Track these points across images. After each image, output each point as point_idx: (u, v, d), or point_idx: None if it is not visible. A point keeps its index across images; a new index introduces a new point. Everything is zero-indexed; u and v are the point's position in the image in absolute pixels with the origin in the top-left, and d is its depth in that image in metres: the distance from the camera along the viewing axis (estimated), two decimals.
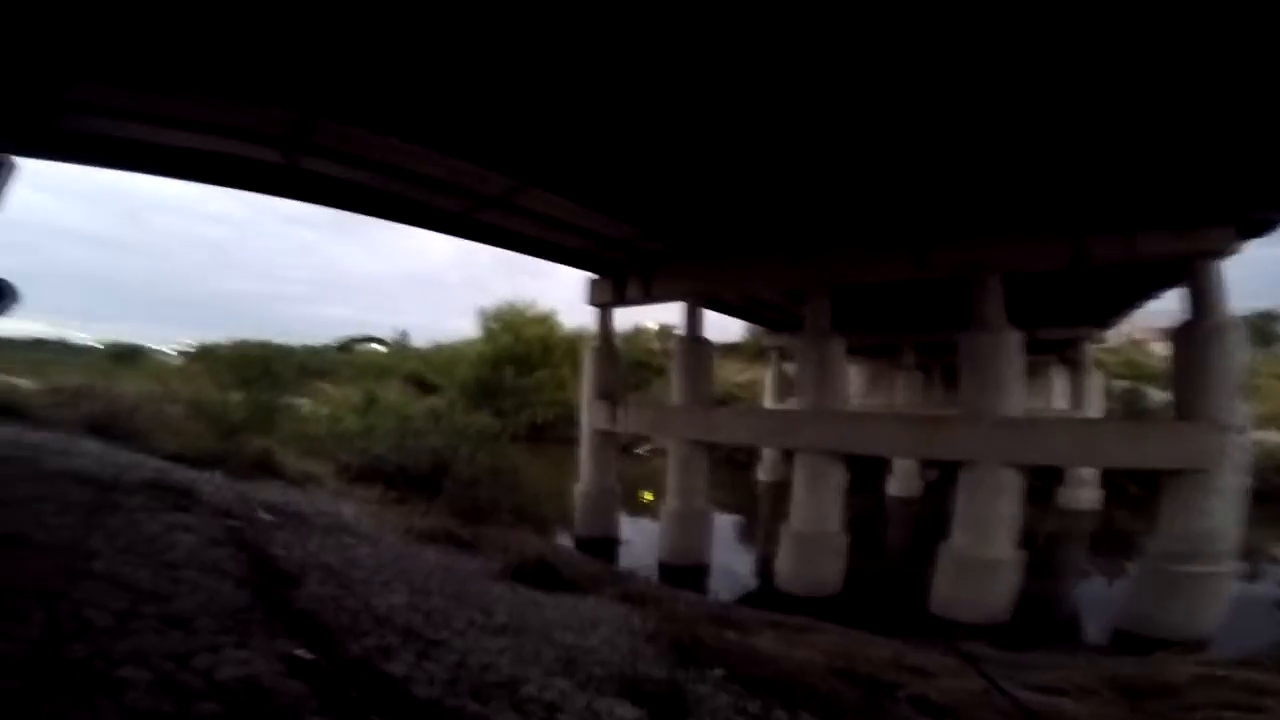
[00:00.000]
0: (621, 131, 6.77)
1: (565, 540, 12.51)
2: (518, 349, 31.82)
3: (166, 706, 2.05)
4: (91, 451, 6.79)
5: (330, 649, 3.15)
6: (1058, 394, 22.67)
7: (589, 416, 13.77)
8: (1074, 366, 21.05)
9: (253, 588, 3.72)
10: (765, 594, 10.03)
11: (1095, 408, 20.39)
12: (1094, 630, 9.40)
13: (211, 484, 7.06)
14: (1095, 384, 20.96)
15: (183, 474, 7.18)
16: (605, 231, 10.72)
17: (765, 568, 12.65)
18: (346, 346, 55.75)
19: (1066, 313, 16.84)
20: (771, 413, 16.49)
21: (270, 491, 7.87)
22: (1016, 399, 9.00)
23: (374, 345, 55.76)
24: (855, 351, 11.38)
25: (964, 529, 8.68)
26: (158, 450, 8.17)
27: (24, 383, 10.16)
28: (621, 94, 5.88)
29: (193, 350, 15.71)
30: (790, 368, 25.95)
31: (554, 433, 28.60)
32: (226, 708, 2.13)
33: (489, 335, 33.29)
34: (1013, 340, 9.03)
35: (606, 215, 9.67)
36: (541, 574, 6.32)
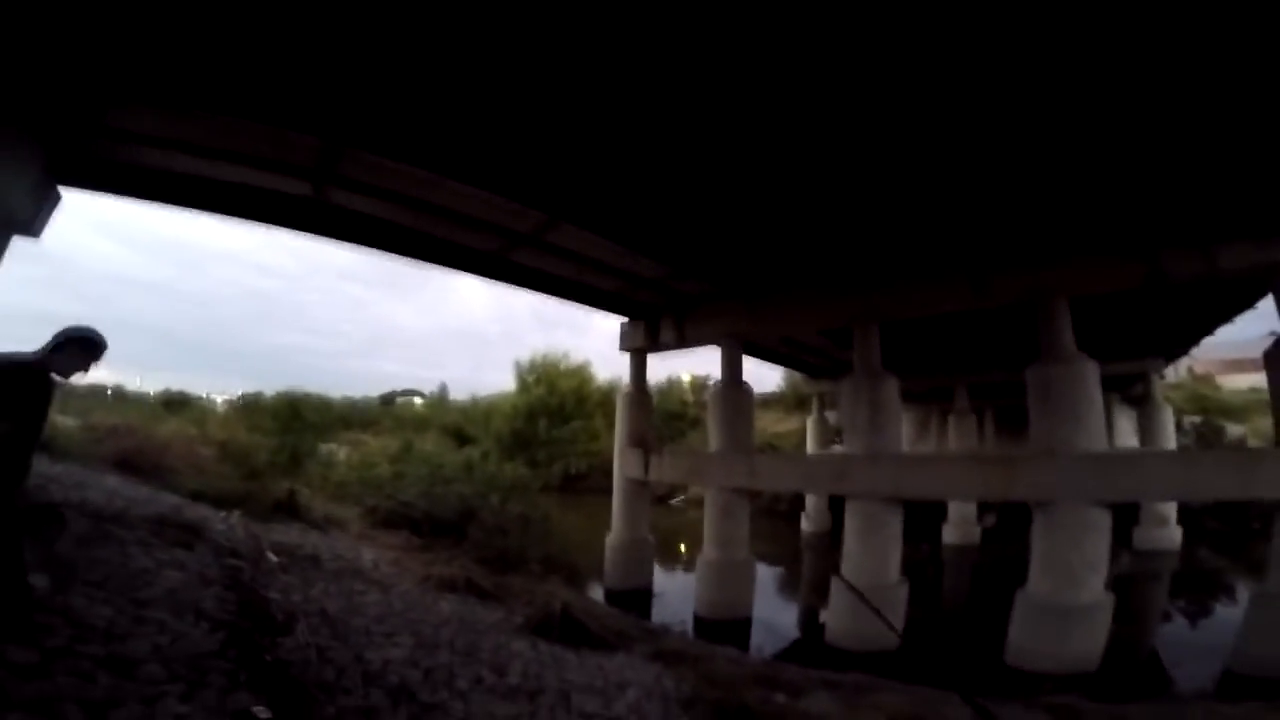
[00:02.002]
0: (656, 162, 6.58)
1: (596, 592, 11.66)
2: (552, 400, 31.70)
3: None
4: (108, 486, 6.63)
5: (299, 709, 2.63)
6: (1124, 432, 20.84)
7: (621, 465, 13.12)
8: (1142, 402, 19.36)
9: (229, 632, 3.26)
10: (814, 650, 8.97)
11: (1168, 445, 18.59)
12: (1192, 676, 8.21)
13: (225, 523, 6.77)
14: (1166, 420, 19.18)
15: (198, 511, 6.92)
16: (638, 270, 10.45)
17: (812, 622, 11.54)
18: (388, 399, 57.09)
19: (1132, 345, 15.56)
20: (821, 458, 15.33)
21: (289, 534, 7.56)
22: (1097, 432, 8.03)
23: (414, 398, 56.90)
24: (903, 398, 10.59)
25: (1045, 573, 7.63)
26: (180, 488, 8.02)
27: (67, 420, 10.37)
28: (658, 124, 5.71)
29: (237, 399, 16.18)
30: (833, 416, 25.00)
31: (587, 483, 27.94)
32: None
33: (524, 387, 33.38)
34: (1090, 369, 8.14)
35: (639, 252, 9.39)
36: (566, 628, 5.63)
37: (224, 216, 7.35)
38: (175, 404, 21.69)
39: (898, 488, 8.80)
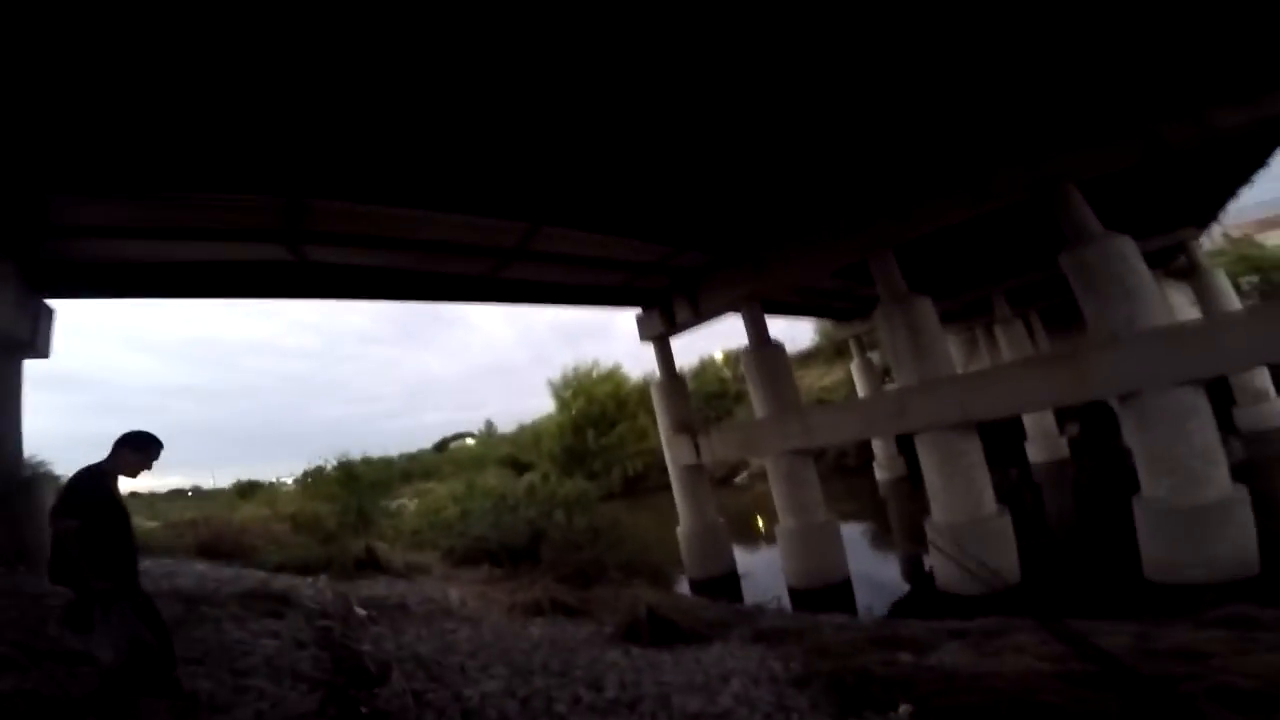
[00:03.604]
0: (628, 145, 6.37)
1: (681, 587, 11.50)
2: (592, 410, 31.79)
3: None
4: (196, 571, 6.88)
5: None
6: (1183, 308, 19.34)
7: (673, 454, 12.91)
8: (1190, 273, 17.90)
9: (327, 690, 3.26)
10: (926, 600, 8.53)
11: (1234, 308, 17.14)
12: None
13: (312, 588, 6.92)
14: (1223, 284, 17.67)
15: (284, 581, 7.11)
16: (635, 257, 10.21)
17: (916, 571, 11.06)
18: (441, 446, 58.40)
19: (1159, 219, 14.57)
20: (875, 398, 14.42)
21: (375, 587, 7.67)
22: (1157, 305, 7.37)
23: (466, 440, 58.03)
24: (941, 320, 10.06)
25: (1158, 474, 6.90)
26: (264, 564, 8.28)
27: (149, 523, 10.90)
28: (621, 102, 5.50)
29: (301, 476, 16.91)
30: (876, 356, 24.19)
31: (648, 483, 27.86)
32: None
33: (562, 404, 33.59)
34: (1124, 242, 7.53)
35: (631, 238, 9.17)
36: (656, 629, 5.50)
37: (212, 298, 7.46)
38: (247, 490, 22.71)
39: (965, 411, 8.27)
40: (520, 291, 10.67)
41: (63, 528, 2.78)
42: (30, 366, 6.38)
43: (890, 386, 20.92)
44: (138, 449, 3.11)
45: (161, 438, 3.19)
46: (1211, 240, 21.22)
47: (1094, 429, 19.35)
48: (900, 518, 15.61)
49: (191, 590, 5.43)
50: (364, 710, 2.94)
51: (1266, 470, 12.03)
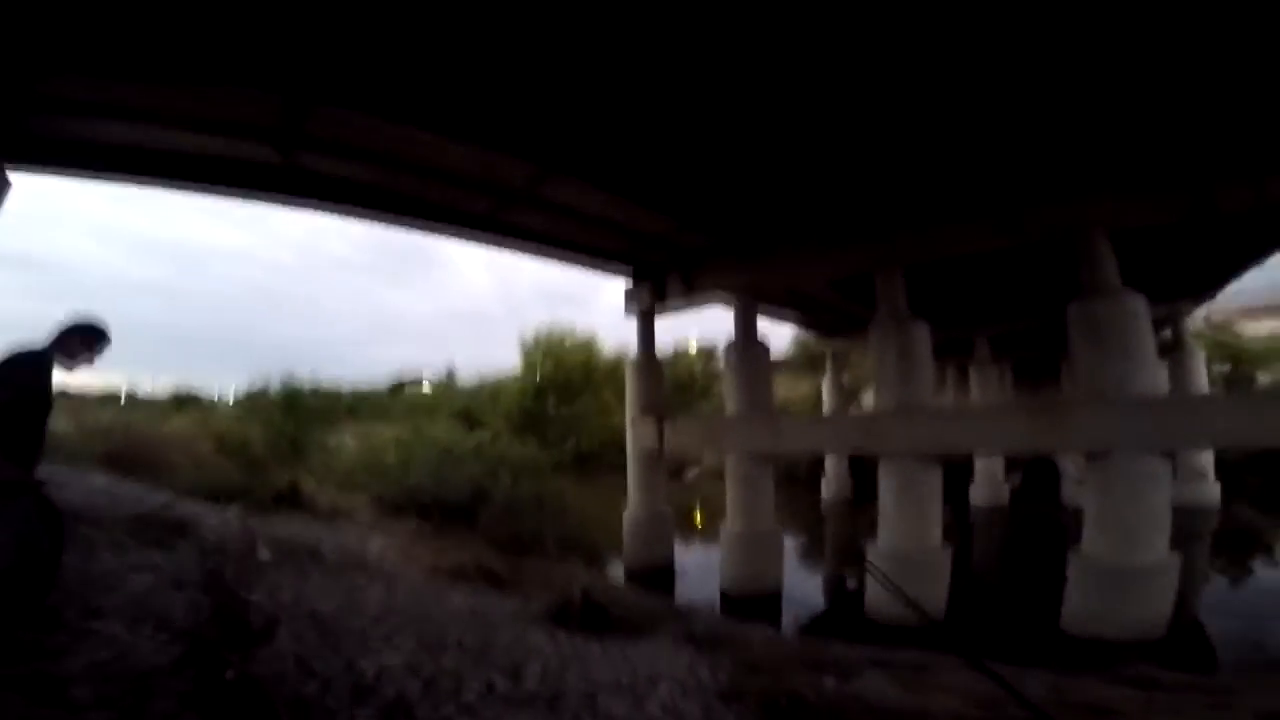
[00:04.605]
0: (651, 101, 5.91)
1: (616, 571, 11.28)
2: (558, 376, 31.20)
3: None
4: (92, 486, 6.21)
5: None
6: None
7: (635, 435, 12.58)
8: (1174, 348, 18.37)
9: (191, 644, 2.79)
10: (850, 623, 8.53)
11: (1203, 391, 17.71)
12: (1247, 643, 7.78)
13: (219, 518, 6.35)
14: (1199, 366, 18.20)
15: (190, 508, 6.51)
16: (640, 225, 9.76)
17: (840, 592, 11.15)
18: (396, 389, 56.81)
19: (1163, 285, 14.72)
20: (850, 417, 14.54)
21: (291, 526, 7.15)
22: (1152, 374, 7.42)
23: (421, 386, 56.58)
24: None
25: (1102, 531, 7.06)
26: (176, 485, 7.62)
27: (61, 425, 9.99)
28: (653, 60, 5.04)
29: (242, 394, 15.87)
30: (848, 378, 24.45)
31: (601, 461, 27.53)
32: None
33: (529, 365, 32.87)
34: (1140, 303, 7.47)
35: (638, 204, 8.70)
36: (587, 615, 5.18)
37: (188, 188, 6.74)
38: (184, 402, 21.44)
39: (938, 443, 8.22)
40: (518, 235, 10.13)
41: None
42: None
43: (861, 407, 21.06)
44: (89, 337, 2.87)
45: (110, 332, 2.93)
46: (1193, 321, 21.92)
47: (1035, 483, 19.99)
48: (836, 537, 15.77)
49: (77, 506, 4.79)
50: (229, 675, 2.49)
51: (1182, 544, 12.66)
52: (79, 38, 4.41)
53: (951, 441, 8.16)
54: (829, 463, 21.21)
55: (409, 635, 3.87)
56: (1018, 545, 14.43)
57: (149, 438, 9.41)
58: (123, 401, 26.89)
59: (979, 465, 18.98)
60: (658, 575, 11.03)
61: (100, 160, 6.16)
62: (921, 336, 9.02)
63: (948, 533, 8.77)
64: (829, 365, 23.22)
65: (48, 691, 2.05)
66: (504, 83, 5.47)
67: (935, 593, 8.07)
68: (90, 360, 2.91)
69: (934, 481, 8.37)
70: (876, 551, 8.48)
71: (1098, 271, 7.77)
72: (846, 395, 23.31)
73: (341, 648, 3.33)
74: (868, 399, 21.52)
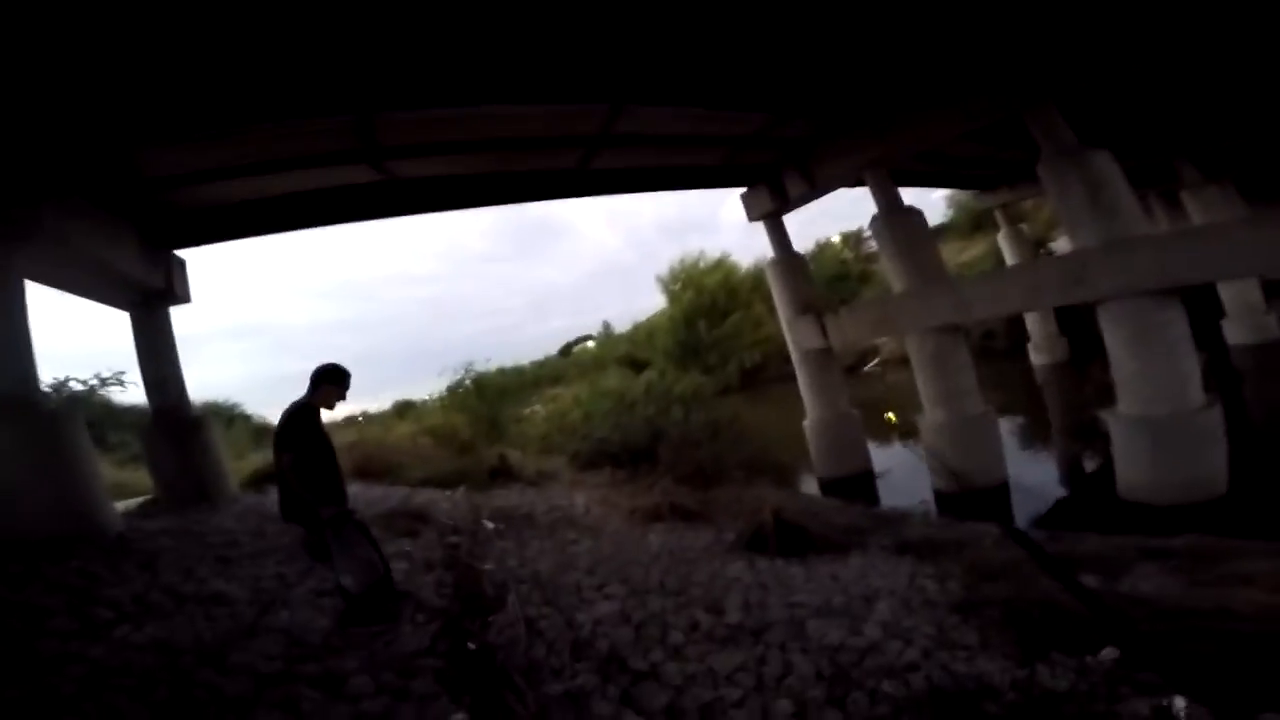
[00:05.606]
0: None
1: (809, 487, 11.01)
2: (702, 301, 30.89)
3: None
4: (352, 494, 7.61)
5: (498, 711, 2.36)
6: None
7: (796, 338, 11.70)
8: None
9: (442, 622, 3.22)
10: (1095, 509, 7.24)
11: None
12: None
13: (449, 501, 7.39)
14: None
15: (426, 496, 7.66)
16: (732, 131, 8.72)
17: (1079, 475, 9.52)
18: (566, 351, 61.65)
19: None
20: (1046, 262, 11.82)
21: (507, 497, 8.06)
22: None
23: (588, 343, 60.55)
24: None
25: None
26: (411, 480, 9.06)
27: None
28: None
29: (444, 392, 18.57)
30: (1026, 228, 20.71)
31: (767, 374, 27.06)
32: None
33: (673, 298, 33.01)
34: None
35: (725, 109, 7.73)
36: (784, 537, 5.04)
37: (318, 225, 7.67)
38: (403, 411, 25.61)
39: (1171, 273, 6.34)
40: (612, 181, 9.83)
41: (281, 463, 3.12)
42: (213, 319, 7.27)
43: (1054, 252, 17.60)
44: (334, 381, 3.38)
45: (349, 370, 3.45)
46: None
47: None
48: (1061, 410, 13.44)
49: None
50: (472, 646, 2.81)
51: None
52: (151, 108, 4.78)
53: (1192, 269, 6.16)
54: (1032, 324, 18.11)
55: (617, 583, 4.11)
56: None
57: (382, 445, 11.32)
58: (361, 421, 33.15)
59: (1227, 296, 14.75)
60: (856, 482, 10.45)
61: (232, 220, 7.18)
62: (1105, 164, 6.93)
63: (1207, 385, 6.88)
64: (1001, 220, 19.52)
65: (335, 685, 2.47)
66: (559, 27, 5.08)
67: (1212, 461, 6.44)
68: (342, 397, 3.46)
69: (1177, 321, 6.47)
70: (1118, 418, 6.97)
71: None
72: (1030, 247, 19.58)
73: (561, 604, 3.65)
74: (1059, 245, 17.79)
